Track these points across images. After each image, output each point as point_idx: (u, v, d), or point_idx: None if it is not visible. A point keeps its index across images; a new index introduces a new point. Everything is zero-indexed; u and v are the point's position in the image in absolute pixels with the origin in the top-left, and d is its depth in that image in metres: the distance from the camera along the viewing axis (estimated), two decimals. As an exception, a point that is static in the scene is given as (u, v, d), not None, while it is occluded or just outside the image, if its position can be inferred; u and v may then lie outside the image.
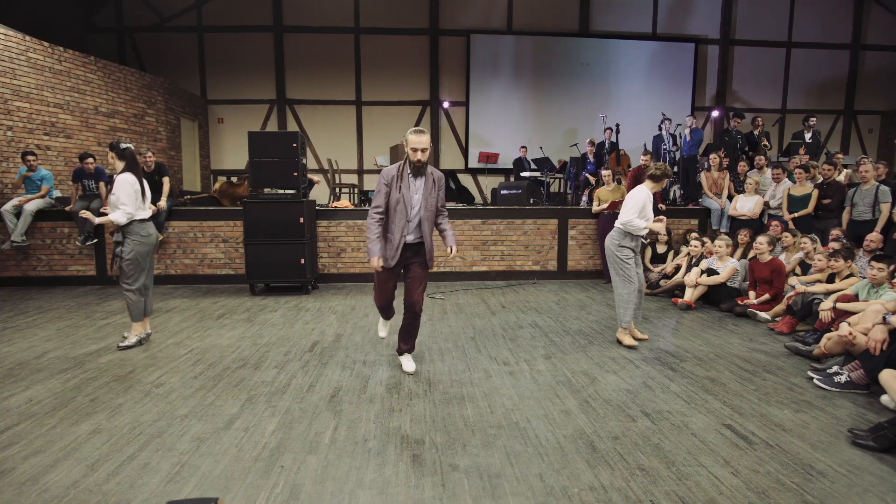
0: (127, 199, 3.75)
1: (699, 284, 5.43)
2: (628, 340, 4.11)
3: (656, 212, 6.66)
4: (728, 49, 11.79)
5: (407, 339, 3.51)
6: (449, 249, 3.30)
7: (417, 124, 11.53)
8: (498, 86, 11.50)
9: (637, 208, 4.00)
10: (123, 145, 3.86)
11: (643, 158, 7.10)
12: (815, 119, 8.24)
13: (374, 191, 3.32)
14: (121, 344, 3.98)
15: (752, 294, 5.15)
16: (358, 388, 3.20)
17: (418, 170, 3.18)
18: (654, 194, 4.22)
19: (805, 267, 5.10)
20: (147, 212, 3.98)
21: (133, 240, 3.84)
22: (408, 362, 3.52)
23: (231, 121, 11.38)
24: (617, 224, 4.15)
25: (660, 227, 4.06)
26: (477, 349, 4.00)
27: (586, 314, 5.17)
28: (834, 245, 5.00)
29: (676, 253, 6.54)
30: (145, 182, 3.98)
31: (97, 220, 3.82)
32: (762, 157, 7.25)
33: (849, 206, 5.68)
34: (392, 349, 3.94)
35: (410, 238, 3.26)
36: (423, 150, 3.11)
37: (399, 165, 3.21)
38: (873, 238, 4.86)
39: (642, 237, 4.18)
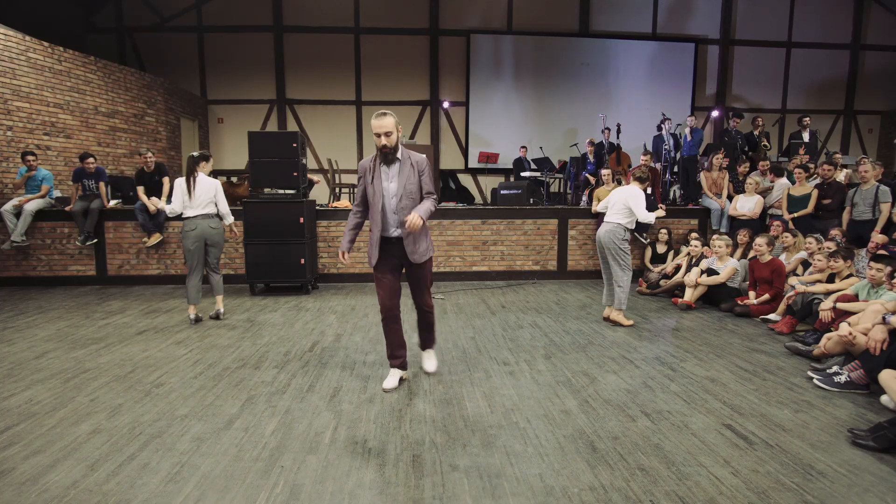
0: (174, 198, 4.61)
1: (699, 284, 5.43)
2: (628, 321, 4.66)
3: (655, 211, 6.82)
4: (728, 49, 11.79)
5: (422, 334, 3.43)
6: (411, 214, 2.86)
7: (417, 124, 11.53)
8: (498, 86, 11.50)
9: (644, 202, 4.58)
10: (196, 154, 4.71)
11: (643, 158, 7.10)
12: (808, 119, 8.26)
13: None
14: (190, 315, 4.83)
15: (752, 294, 5.16)
16: (358, 388, 3.20)
17: (387, 157, 2.95)
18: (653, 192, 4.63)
19: (808, 267, 5.09)
20: (193, 210, 4.58)
21: (182, 232, 4.69)
22: (428, 361, 3.42)
23: (231, 121, 11.38)
24: (615, 220, 4.59)
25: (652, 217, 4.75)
26: (477, 349, 4.00)
27: (586, 314, 5.17)
28: (829, 245, 4.99)
29: (676, 253, 6.54)
30: (194, 185, 4.56)
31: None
32: (766, 162, 7.27)
33: (849, 206, 5.68)
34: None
35: (397, 232, 3.02)
36: (385, 135, 2.86)
37: (373, 156, 3.03)
38: (880, 241, 4.84)
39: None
